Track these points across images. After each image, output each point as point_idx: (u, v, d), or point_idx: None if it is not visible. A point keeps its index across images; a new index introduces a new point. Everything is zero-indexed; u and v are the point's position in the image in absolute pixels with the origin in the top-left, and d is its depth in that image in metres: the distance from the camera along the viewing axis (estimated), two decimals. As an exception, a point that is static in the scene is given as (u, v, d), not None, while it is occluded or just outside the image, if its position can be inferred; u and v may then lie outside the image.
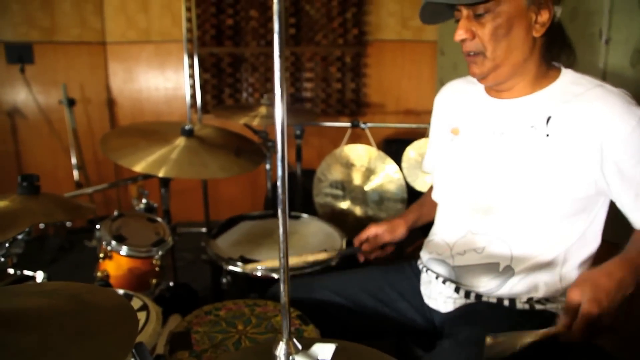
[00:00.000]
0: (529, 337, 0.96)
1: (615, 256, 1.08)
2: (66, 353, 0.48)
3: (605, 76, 1.90)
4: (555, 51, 1.18)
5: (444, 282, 1.29)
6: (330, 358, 0.71)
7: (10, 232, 0.87)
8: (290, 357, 0.67)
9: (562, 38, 1.18)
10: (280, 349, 0.68)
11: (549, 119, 1.14)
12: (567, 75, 1.17)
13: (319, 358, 0.70)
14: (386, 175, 2.37)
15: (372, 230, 1.51)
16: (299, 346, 0.69)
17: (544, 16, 1.10)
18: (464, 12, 1.13)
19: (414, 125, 2.54)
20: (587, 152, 1.09)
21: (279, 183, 0.59)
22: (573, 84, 1.15)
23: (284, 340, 0.67)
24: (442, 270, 1.31)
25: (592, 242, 1.21)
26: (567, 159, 1.11)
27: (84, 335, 0.51)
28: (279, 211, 0.60)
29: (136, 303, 1.23)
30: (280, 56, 0.54)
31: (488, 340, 0.93)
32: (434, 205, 1.42)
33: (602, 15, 1.87)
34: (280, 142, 0.58)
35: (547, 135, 1.13)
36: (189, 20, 3.32)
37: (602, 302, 0.96)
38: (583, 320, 0.96)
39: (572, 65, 1.20)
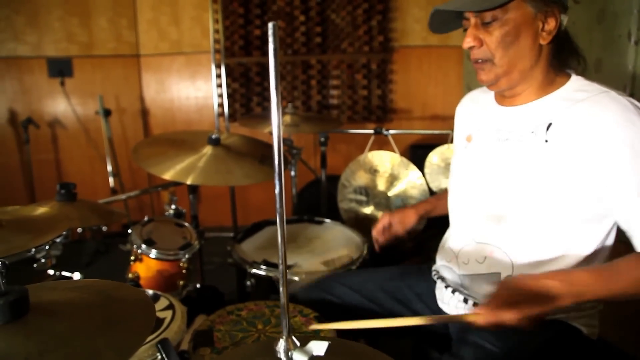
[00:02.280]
0: None
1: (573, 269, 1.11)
2: (92, 338, 0.56)
3: (634, 79, 1.87)
4: (564, 58, 1.18)
5: (453, 292, 1.31)
6: (323, 354, 0.76)
7: (49, 235, 0.95)
8: (289, 353, 0.74)
9: (570, 45, 1.18)
10: (280, 345, 0.75)
11: (549, 125, 1.13)
12: (574, 83, 1.17)
13: (313, 354, 0.76)
14: (409, 181, 2.40)
15: (385, 219, 1.57)
16: (297, 343, 0.75)
17: (551, 24, 1.12)
18: (472, 20, 1.15)
19: (436, 132, 2.56)
20: (586, 158, 1.07)
21: (276, 198, 0.65)
22: (577, 91, 1.14)
23: (284, 337, 0.74)
24: (450, 276, 1.33)
25: (602, 249, 1.17)
26: (565, 166, 1.10)
27: (108, 324, 0.58)
28: (277, 222, 0.66)
29: (163, 302, 1.30)
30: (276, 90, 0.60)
31: None
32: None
33: (631, 16, 1.85)
34: (277, 162, 0.64)
35: (546, 141, 1.13)
36: (217, 31, 3.44)
37: (510, 303, 0.98)
38: (491, 315, 0.98)
39: (583, 72, 1.19)
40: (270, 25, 0.59)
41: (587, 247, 1.15)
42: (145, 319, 0.60)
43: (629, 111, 1.04)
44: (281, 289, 0.70)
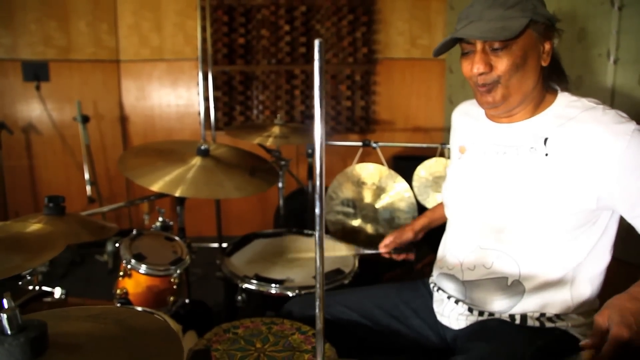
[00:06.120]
0: None
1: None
2: (122, 377, 0.52)
3: (613, 96, 1.92)
4: (554, 77, 1.24)
5: (456, 302, 1.31)
6: None
7: (48, 254, 0.90)
8: None
9: (558, 64, 1.25)
10: None
11: (546, 140, 1.18)
12: (562, 99, 1.22)
13: None
14: (397, 194, 2.40)
15: (386, 239, 1.67)
16: None
17: (547, 47, 1.17)
18: (479, 45, 1.15)
19: (424, 145, 2.57)
20: (586, 171, 1.11)
21: (316, 221, 0.62)
22: (568, 107, 1.19)
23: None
24: (452, 285, 1.34)
25: (602, 258, 1.23)
26: (566, 177, 1.14)
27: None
28: (317, 246, 0.64)
29: (157, 321, 1.26)
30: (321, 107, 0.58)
31: None
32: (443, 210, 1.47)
33: (610, 36, 1.91)
34: (319, 184, 0.61)
35: (547, 155, 1.17)
36: (204, 39, 3.39)
37: (631, 325, 0.93)
38: (613, 342, 0.92)
39: (566, 87, 1.25)
40: (316, 42, 0.57)
41: (590, 251, 1.20)
42: (173, 353, 0.57)
43: (621, 123, 1.10)
44: (317, 312, 0.68)
